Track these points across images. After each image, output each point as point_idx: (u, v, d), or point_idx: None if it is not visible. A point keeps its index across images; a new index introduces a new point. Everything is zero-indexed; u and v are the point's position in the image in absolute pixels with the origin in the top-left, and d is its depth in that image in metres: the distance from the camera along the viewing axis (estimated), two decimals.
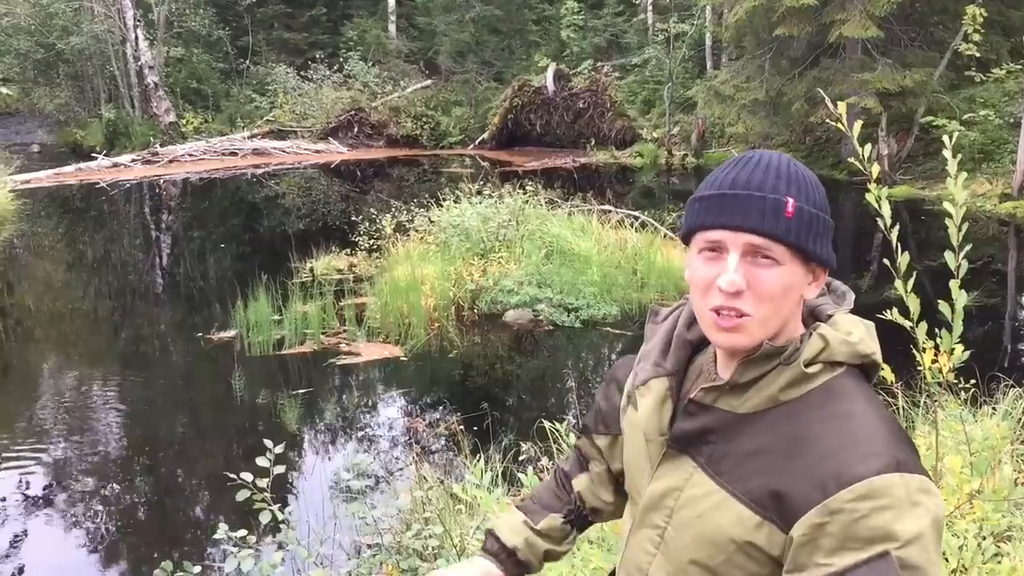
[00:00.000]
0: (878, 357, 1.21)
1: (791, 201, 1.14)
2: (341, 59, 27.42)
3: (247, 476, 3.23)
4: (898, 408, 4.68)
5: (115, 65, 26.88)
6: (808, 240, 1.15)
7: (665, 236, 10.99)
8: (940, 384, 2.57)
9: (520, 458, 5.07)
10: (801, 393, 1.16)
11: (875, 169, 2.27)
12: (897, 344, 2.32)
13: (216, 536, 3.39)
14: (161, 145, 24.03)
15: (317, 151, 24.79)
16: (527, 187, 11.57)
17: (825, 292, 1.29)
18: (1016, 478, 3.42)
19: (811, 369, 1.16)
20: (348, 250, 11.54)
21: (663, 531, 1.25)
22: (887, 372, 2.18)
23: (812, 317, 1.25)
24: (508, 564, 1.56)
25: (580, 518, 1.59)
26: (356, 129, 25.83)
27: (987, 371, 4.90)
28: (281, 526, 3.38)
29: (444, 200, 11.23)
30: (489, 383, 7.92)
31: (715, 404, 1.21)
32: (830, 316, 1.22)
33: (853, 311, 1.27)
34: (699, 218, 1.20)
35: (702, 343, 1.33)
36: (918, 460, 1.13)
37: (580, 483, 1.60)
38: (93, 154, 23.04)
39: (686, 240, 1.25)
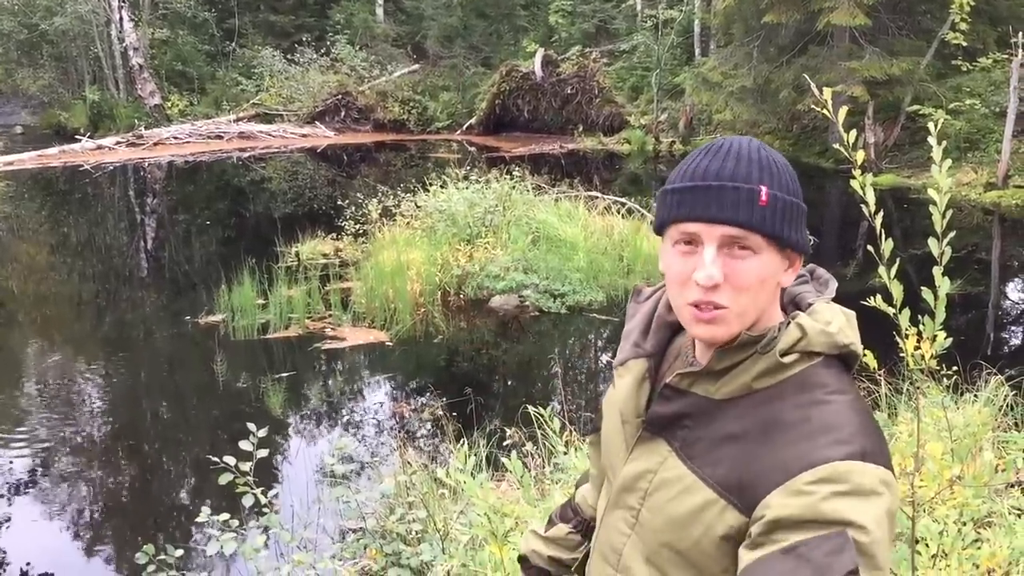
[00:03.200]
0: (857, 347, 1.19)
1: (764, 189, 1.14)
2: (328, 42, 27.26)
3: (230, 460, 3.23)
4: (881, 395, 4.70)
5: (99, 46, 26.65)
6: (783, 227, 1.15)
7: (652, 223, 10.99)
8: (922, 371, 2.58)
9: (505, 443, 5.08)
10: (776, 381, 1.15)
11: (860, 155, 2.27)
12: (881, 331, 2.33)
13: (199, 519, 3.39)
14: (146, 127, 23.86)
15: (304, 135, 24.67)
16: (514, 173, 11.54)
17: (808, 279, 1.28)
18: (997, 464, 3.44)
19: (787, 359, 1.15)
20: (334, 235, 11.52)
21: (637, 513, 1.25)
22: (870, 359, 2.19)
23: (793, 305, 1.25)
24: (529, 573, 1.70)
25: (586, 527, 1.62)
26: (343, 113, 25.73)
27: (970, 359, 4.94)
28: (264, 510, 3.37)
29: (431, 185, 11.20)
30: (474, 368, 7.92)
31: (691, 389, 1.21)
32: (811, 304, 1.21)
33: (838, 299, 1.26)
34: (673, 211, 1.18)
35: (683, 325, 1.32)
36: (886, 454, 1.12)
37: (579, 494, 1.67)
38: (77, 136, 22.87)
39: (659, 232, 1.23)
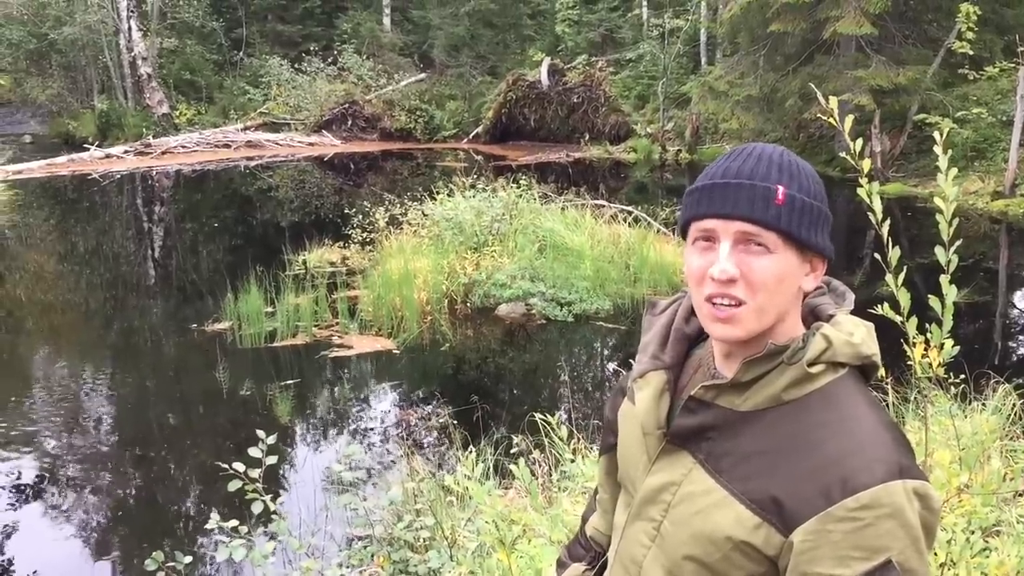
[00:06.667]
0: (878, 359, 1.21)
1: (781, 189, 1.15)
2: (335, 52, 27.36)
3: (239, 466, 3.24)
4: (888, 403, 4.70)
5: (108, 56, 26.79)
6: (800, 228, 1.16)
7: (658, 231, 11.02)
8: (930, 379, 2.58)
9: (512, 451, 5.07)
10: (803, 393, 1.16)
11: (866, 164, 2.28)
12: (888, 339, 2.33)
13: (208, 526, 3.39)
14: (154, 136, 23.96)
15: (310, 143, 24.76)
16: (521, 181, 11.56)
17: (825, 291, 1.29)
18: (1004, 473, 3.44)
19: (814, 369, 1.16)
20: (341, 243, 11.55)
21: (659, 525, 1.25)
22: None
23: (813, 316, 1.25)
24: None
25: (602, 559, 1.60)
26: (350, 122, 25.80)
27: (977, 367, 4.93)
28: (273, 517, 3.38)
29: (437, 194, 11.22)
30: (481, 376, 7.93)
31: (715, 401, 1.21)
32: (831, 316, 1.22)
33: None
34: (693, 209, 1.21)
35: (700, 336, 1.34)
36: (916, 463, 1.15)
37: (591, 527, 1.64)
38: (86, 145, 22.96)
39: (684, 233, 1.25)
